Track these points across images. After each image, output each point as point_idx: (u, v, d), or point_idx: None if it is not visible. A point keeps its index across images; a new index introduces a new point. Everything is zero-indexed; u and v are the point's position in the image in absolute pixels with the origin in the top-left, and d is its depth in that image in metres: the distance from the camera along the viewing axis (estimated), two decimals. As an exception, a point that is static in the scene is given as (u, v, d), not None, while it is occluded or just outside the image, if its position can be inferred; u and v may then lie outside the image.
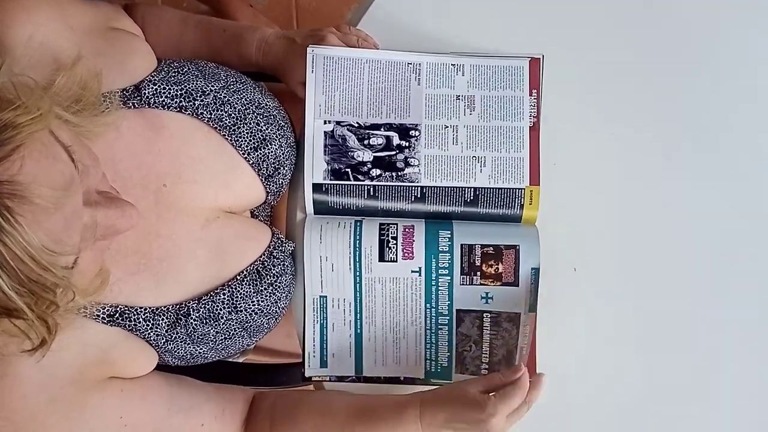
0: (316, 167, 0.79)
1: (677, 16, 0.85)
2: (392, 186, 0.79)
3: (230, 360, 0.93)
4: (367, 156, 0.79)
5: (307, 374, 0.80)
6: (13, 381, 0.60)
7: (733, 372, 0.81)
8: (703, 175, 0.83)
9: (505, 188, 0.79)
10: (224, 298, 0.71)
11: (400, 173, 0.79)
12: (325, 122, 0.79)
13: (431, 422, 0.71)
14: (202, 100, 0.71)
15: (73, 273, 0.52)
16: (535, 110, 0.80)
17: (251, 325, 0.74)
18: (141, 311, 0.68)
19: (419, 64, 0.80)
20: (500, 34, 0.84)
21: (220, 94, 0.72)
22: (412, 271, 0.78)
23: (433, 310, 0.79)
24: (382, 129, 0.79)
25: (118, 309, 0.67)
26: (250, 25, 0.84)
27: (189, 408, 0.72)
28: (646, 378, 0.80)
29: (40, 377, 0.61)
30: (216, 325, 0.72)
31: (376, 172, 0.79)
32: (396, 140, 0.79)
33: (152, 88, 0.69)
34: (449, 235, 0.78)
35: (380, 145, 0.79)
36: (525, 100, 0.80)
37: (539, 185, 0.79)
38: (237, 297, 0.72)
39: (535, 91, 0.80)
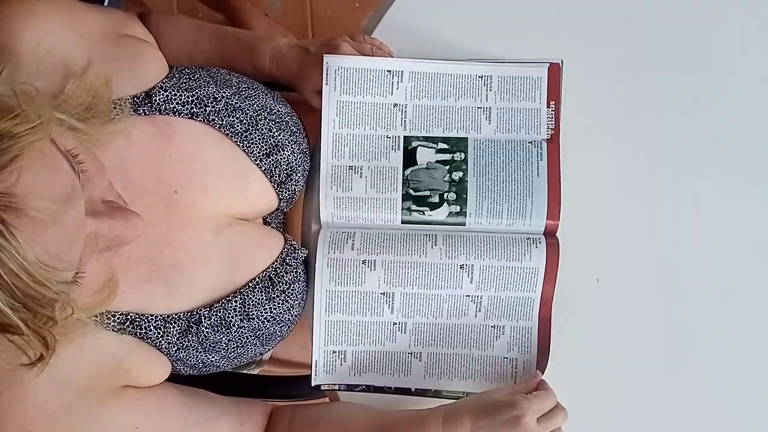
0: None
1: (703, 21, 0.83)
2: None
3: (245, 372, 0.93)
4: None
5: (314, 383, 0.78)
6: (27, 391, 0.59)
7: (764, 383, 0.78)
8: (731, 182, 0.80)
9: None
10: (236, 306, 0.71)
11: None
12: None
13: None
14: (213, 107, 0.71)
15: (75, 287, 0.51)
16: (553, 122, 0.78)
17: (263, 333, 0.73)
18: (152, 319, 0.67)
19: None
20: (517, 40, 0.82)
21: (232, 100, 0.72)
22: None
23: None
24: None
25: (129, 317, 0.66)
26: (263, 35, 0.83)
27: (206, 420, 0.71)
28: (672, 388, 0.78)
29: (55, 387, 0.61)
30: (228, 332, 0.71)
31: None
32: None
33: (163, 94, 0.69)
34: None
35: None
36: (542, 112, 0.78)
37: (559, 199, 0.76)
38: (249, 304, 0.71)
39: (554, 102, 0.78)
